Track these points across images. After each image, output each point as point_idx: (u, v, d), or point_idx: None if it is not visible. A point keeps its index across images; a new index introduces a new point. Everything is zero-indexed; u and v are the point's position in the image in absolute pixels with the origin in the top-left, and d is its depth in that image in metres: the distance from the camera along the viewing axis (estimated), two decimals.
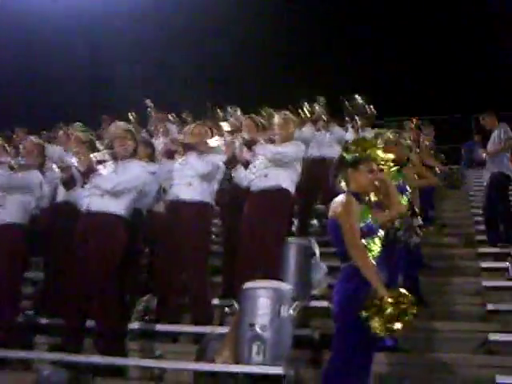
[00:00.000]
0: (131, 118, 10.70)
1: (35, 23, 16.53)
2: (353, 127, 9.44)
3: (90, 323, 5.49)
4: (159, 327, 5.87)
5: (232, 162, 6.22)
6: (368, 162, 4.22)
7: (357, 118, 9.44)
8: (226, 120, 9.65)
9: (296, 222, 8.47)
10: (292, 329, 4.95)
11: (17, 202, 5.89)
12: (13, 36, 16.37)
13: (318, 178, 8.17)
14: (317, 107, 8.92)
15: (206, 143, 6.22)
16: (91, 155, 5.69)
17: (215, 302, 6.30)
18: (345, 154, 4.32)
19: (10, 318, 5.77)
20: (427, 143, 9.14)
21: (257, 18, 17.03)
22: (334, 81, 14.97)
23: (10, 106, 15.59)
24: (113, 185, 5.43)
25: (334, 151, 8.38)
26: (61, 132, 8.74)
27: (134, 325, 5.93)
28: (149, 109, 10.96)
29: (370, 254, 4.00)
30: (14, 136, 9.71)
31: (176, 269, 5.96)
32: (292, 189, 6.18)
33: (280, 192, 6.06)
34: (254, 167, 6.20)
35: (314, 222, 8.78)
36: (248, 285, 5.09)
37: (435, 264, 7.28)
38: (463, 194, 10.32)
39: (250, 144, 6.30)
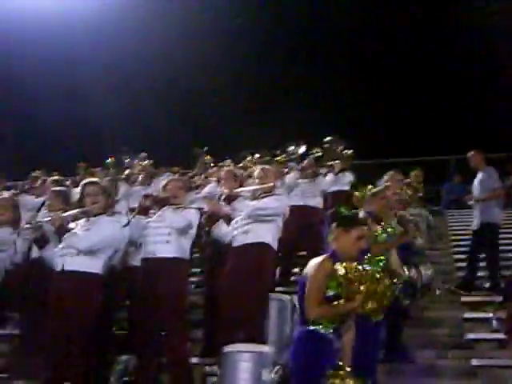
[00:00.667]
0: (110, 161, 10.61)
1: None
2: (331, 172, 9.50)
3: None
4: None
5: (212, 218, 6.10)
6: (361, 227, 4.17)
7: (335, 162, 9.51)
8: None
9: (278, 270, 8.44)
10: None
11: None
12: None
13: (300, 225, 8.18)
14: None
15: (181, 197, 6.12)
16: (64, 214, 5.59)
17: (195, 360, 6.16)
18: (342, 210, 4.26)
19: None
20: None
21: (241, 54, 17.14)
22: (309, 125, 15.09)
23: None
24: (88, 244, 5.31)
25: (316, 201, 8.47)
26: (39, 181, 8.62)
27: None
28: (127, 158, 10.84)
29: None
30: None
31: (154, 328, 5.79)
32: (274, 244, 6.08)
33: (261, 247, 5.95)
34: (236, 223, 6.11)
35: (296, 270, 8.69)
36: (228, 348, 4.99)
37: (417, 314, 7.16)
38: (444, 238, 10.27)
39: (229, 198, 6.24)
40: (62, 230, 5.44)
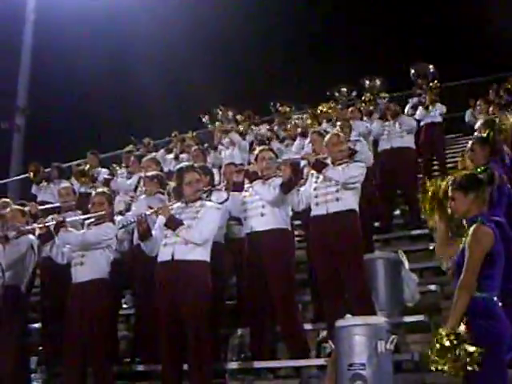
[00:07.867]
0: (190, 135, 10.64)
1: None
2: (421, 104, 9.21)
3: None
4: (257, 364, 5.79)
5: (289, 185, 5.85)
6: None
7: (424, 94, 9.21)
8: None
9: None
10: (392, 364, 4.79)
11: (96, 258, 5.82)
12: None
13: (393, 169, 8.06)
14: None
15: (270, 168, 6.02)
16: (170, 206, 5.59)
17: (308, 326, 6.20)
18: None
19: (107, 368, 5.82)
20: None
21: None
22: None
23: None
24: (203, 239, 5.34)
25: (405, 141, 8.24)
26: (133, 158, 8.70)
27: (232, 364, 5.95)
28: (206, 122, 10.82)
29: None
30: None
31: (264, 300, 5.86)
32: (358, 210, 5.91)
33: (352, 214, 5.80)
34: (314, 190, 5.92)
35: (397, 212, 8.53)
36: (341, 322, 4.93)
37: None
38: None
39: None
40: (171, 223, 5.39)
